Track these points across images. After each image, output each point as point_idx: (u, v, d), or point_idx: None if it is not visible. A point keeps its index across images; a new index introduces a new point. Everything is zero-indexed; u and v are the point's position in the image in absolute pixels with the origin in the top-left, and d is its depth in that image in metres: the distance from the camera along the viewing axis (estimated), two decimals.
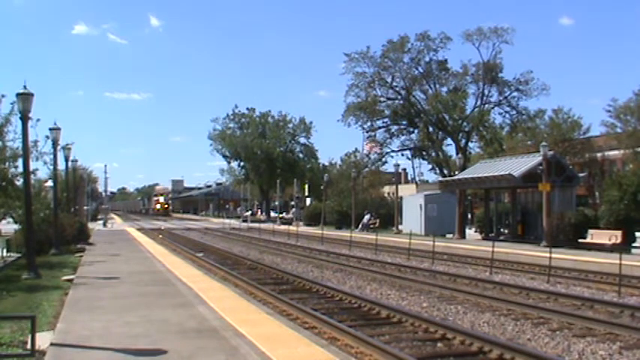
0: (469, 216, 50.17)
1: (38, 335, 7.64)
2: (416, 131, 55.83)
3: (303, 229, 49.77)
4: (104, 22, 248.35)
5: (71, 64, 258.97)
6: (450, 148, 55.15)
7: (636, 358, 9.36)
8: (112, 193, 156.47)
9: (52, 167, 24.16)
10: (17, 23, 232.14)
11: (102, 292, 13.17)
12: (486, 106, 52.26)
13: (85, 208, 61.89)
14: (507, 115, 53.56)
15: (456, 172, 46.11)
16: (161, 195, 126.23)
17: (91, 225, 48.00)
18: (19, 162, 18.67)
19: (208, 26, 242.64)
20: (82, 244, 29.66)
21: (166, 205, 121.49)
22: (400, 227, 44.26)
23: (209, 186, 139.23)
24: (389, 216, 50.29)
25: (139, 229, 52.01)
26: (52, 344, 8.05)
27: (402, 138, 57.02)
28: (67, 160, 31.71)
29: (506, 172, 32.09)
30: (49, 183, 27.52)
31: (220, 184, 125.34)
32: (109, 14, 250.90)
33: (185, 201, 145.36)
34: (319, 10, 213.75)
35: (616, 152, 51.19)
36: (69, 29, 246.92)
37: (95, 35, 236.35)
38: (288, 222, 65.86)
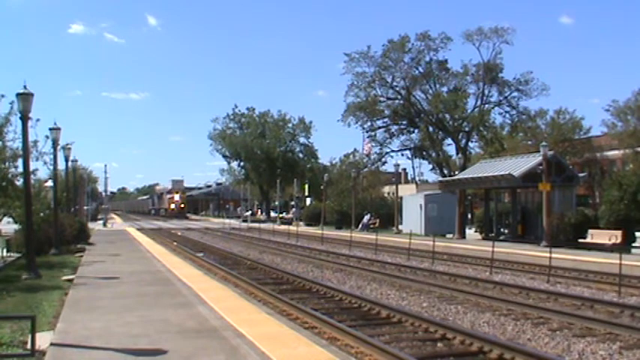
0: (469, 216, 50.16)
1: (38, 335, 7.65)
2: (416, 131, 55.78)
3: (303, 229, 49.78)
4: (101, 22, 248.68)
5: (68, 64, 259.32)
6: (450, 148, 55.15)
7: (636, 358, 9.36)
8: (112, 193, 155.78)
9: (52, 167, 24.15)
10: (15, 23, 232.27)
11: (102, 292, 13.17)
12: (487, 106, 52.21)
13: (85, 208, 61.87)
14: (507, 115, 53.56)
15: (456, 172, 46.12)
16: (176, 193, 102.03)
17: (91, 225, 48.00)
18: (19, 162, 18.68)
19: (206, 25, 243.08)
20: (82, 244, 29.67)
21: (182, 205, 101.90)
22: (400, 227, 44.26)
23: (209, 186, 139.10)
24: (389, 216, 50.32)
25: (139, 229, 52.01)
26: (52, 344, 8.05)
27: (402, 138, 56.97)
28: (67, 160, 31.71)
29: (506, 172, 32.08)
30: (49, 183, 27.49)
31: (220, 184, 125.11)
32: (106, 13, 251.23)
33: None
34: (319, 10, 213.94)
35: (616, 152, 51.20)
36: (65, 28, 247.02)
37: (92, 35, 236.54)
38: (288, 222, 65.85)
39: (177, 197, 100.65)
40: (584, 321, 11.60)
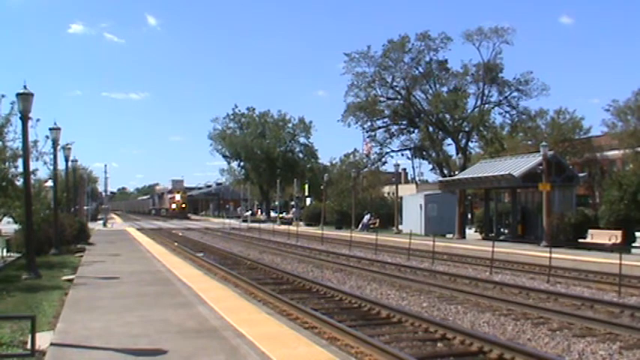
0: (469, 216, 50.14)
1: (38, 335, 7.65)
2: (416, 131, 55.78)
3: (303, 229, 49.77)
4: (101, 22, 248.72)
5: (68, 64, 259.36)
6: (450, 148, 55.14)
7: (636, 358, 9.36)
8: (112, 193, 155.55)
9: (52, 167, 24.16)
10: (15, 23, 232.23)
11: (102, 292, 13.18)
12: (487, 106, 52.18)
13: (85, 208, 61.86)
14: (507, 115, 53.55)
15: (456, 172, 46.10)
16: (177, 192, 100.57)
17: (91, 225, 47.99)
18: (19, 162, 18.68)
19: (206, 25, 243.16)
20: (82, 244, 29.67)
21: (184, 205, 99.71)
22: (400, 227, 44.26)
23: (209, 186, 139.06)
24: (389, 216, 50.30)
25: (139, 229, 52.02)
26: (52, 344, 8.05)
27: (402, 138, 56.96)
28: (67, 160, 31.73)
29: (506, 172, 32.08)
30: (49, 183, 27.49)
31: (220, 184, 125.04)
32: (106, 13, 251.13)
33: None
34: (319, 10, 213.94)
35: (616, 152, 51.20)
36: (65, 28, 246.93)
37: (92, 35, 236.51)
38: (288, 222, 65.85)
39: (178, 197, 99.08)
40: (584, 321, 11.60)
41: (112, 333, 8.75)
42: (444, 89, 53.84)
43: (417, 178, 75.93)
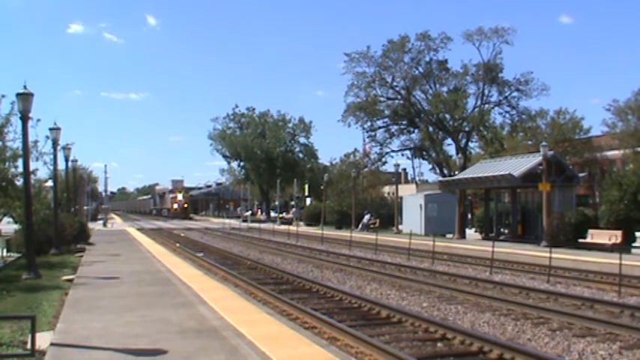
0: (469, 216, 50.15)
1: (38, 335, 7.64)
2: (416, 131, 55.80)
3: (303, 229, 49.77)
4: (100, 21, 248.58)
5: (68, 64, 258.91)
6: (450, 148, 55.15)
7: (636, 358, 9.35)
8: (111, 193, 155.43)
9: (52, 167, 24.17)
10: (14, 23, 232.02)
11: (102, 292, 13.18)
12: (486, 106, 52.17)
13: (85, 208, 61.84)
14: (507, 115, 53.56)
15: (456, 172, 46.12)
16: (179, 192, 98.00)
17: (91, 225, 47.98)
18: (19, 162, 18.69)
19: (206, 25, 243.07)
20: (82, 244, 29.67)
21: (186, 205, 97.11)
22: (400, 227, 44.27)
23: (209, 186, 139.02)
24: (389, 216, 50.30)
25: (139, 230, 52.01)
26: (52, 344, 8.05)
27: (402, 138, 56.99)
28: (67, 160, 31.76)
29: (506, 172, 32.08)
30: (49, 183, 27.50)
31: (220, 184, 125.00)
32: (105, 13, 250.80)
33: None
34: (319, 10, 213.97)
35: (616, 152, 51.21)
36: (65, 28, 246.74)
37: (91, 34, 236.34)
38: (288, 222, 65.84)
39: (180, 197, 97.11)
40: (584, 321, 11.60)
41: (112, 333, 8.76)
42: (444, 89, 53.86)
43: (417, 178, 75.91)
